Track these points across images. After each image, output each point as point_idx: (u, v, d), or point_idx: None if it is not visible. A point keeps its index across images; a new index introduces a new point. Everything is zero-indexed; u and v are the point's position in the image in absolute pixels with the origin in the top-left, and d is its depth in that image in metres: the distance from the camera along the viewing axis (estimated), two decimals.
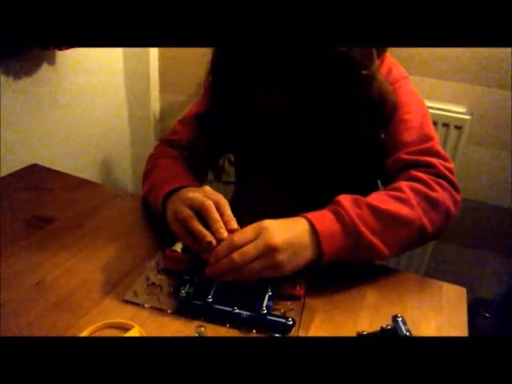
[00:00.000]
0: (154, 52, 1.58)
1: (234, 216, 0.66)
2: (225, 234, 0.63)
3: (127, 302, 0.65)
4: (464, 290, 0.73)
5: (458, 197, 0.73)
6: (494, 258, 1.52)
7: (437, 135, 0.78)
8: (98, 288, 0.67)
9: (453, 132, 1.34)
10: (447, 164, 0.74)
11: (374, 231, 0.65)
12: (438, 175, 0.72)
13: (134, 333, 0.59)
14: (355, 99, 0.74)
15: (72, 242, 0.77)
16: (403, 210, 0.67)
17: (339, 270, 0.74)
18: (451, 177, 0.72)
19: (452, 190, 0.72)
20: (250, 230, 0.63)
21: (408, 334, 0.57)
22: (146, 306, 0.64)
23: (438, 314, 0.68)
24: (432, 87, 1.36)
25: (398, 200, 0.68)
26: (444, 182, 0.71)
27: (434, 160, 0.73)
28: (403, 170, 0.74)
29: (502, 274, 1.53)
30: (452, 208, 0.71)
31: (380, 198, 0.68)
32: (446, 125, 1.34)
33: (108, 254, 0.75)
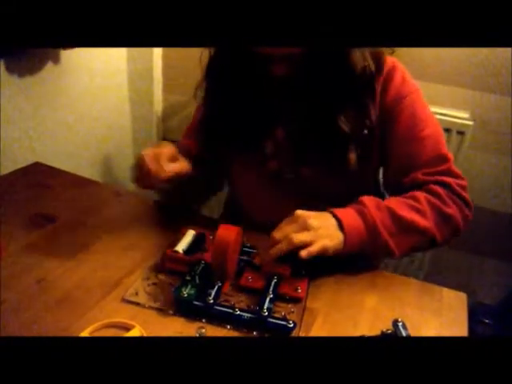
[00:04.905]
0: (157, 52, 1.58)
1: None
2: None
3: (128, 301, 0.65)
4: (464, 295, 0.73)
5: (468, 213, 0.78)
6: (495, 263, 1.52)
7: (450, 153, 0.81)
8: (99, 287, 0.67)
9: (455, 137, 1.34)
10: (461, 182, 0.78)
11: (391, 233, 0.72)
12: (453, 192, 0.77)
13: (135, 333, 0.59)
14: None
15: (74, 241, 0.77)
16: (418, 220, 0.73)
17: (340, 274, 0.74)
18: (464, 194, 0.77)
19: (464, 206, 0.77)
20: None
21: None
22: (146, 306, 0.64)
23: (438, 318, 0.68)
24: (435, 92, 1.36)
25: (414, 209, 0.74)
26: (457, 199, 0.77)
27: (449, 179, 0.77)
28: (420, 187, 0.78)
29: (503, 280, 1.53)
30: (461, 224, 0.76)
31: (399, 205, 0.74)
32: (448, 130, 1.33)
33: (109, 253, 0.75)
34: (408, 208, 0.74)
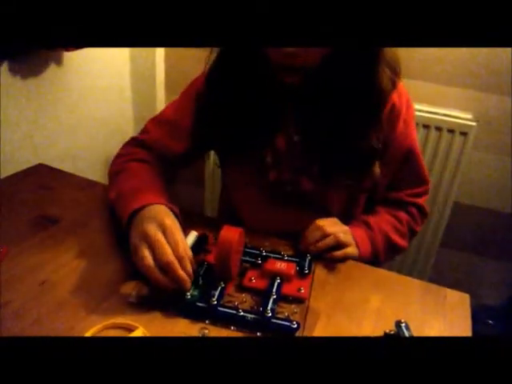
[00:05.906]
0: (160, 53, 1.59)
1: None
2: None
3: (131, 302, 0.65)
4: (467, 296, 0.73)
5: (424, 221, 0.96)
6: (498, 264, 1.52)
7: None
8: (102, 288, 0.67)
9: (458, 138, 1.34)
10: (427, 197, 0.94)
11: (385, 256, 0.87)
12: (422, 212, 0.93)
13: (138, 334, 0.59)
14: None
15: (76, 242, 0.77)
16: (402, 243, 0.89)
17: (343, 274, 0.74)
18: (427, 210, 0.94)
19: (424, 219, 0.95)
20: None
21: None
22: (150, 307, 0.64)
23: (441, 319, 0.68)
24: (438, 93, 1.36)
25: (400, 233, 0.89)
26: (423, 217, 0.94)
27: (422, 200, 0.92)
28: (401, 205, 0.91)
29: (505, 281, 1.53)
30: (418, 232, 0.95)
31: (390, 228, 0.87)
32: (451, 131, 1.33)
33: (113, 255, 0.75)
34: (396, 232, 0.88)
